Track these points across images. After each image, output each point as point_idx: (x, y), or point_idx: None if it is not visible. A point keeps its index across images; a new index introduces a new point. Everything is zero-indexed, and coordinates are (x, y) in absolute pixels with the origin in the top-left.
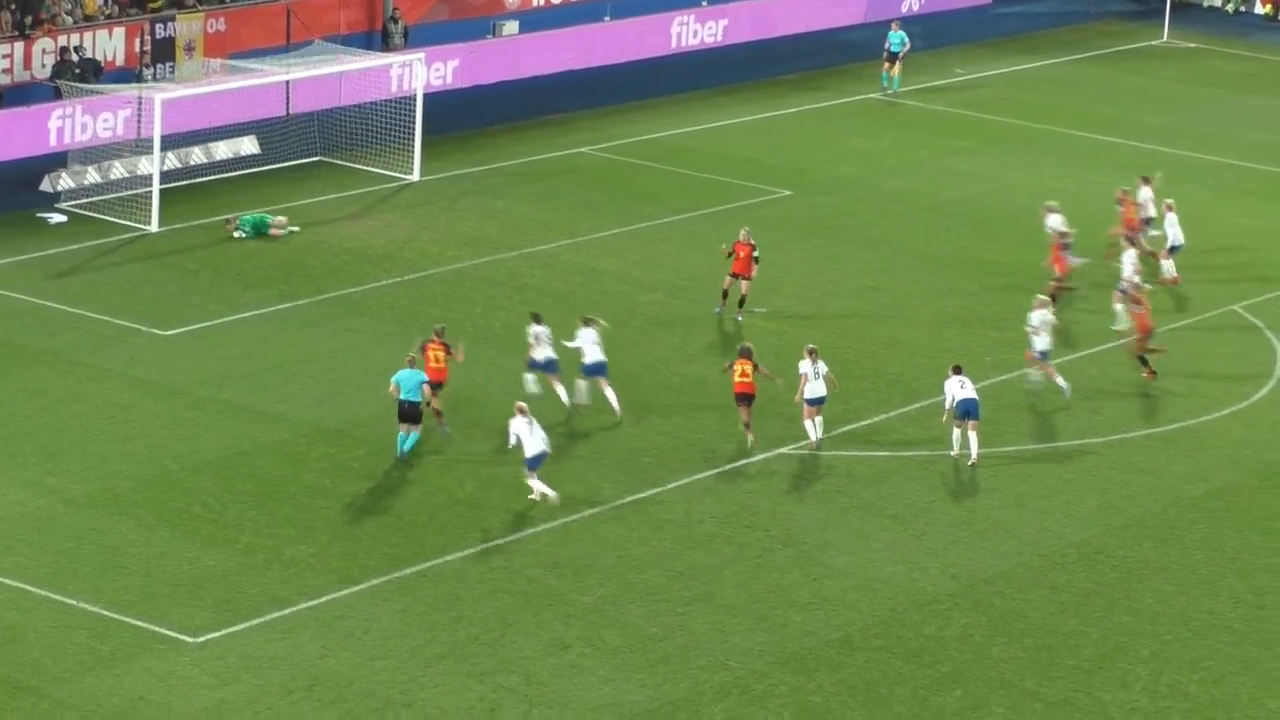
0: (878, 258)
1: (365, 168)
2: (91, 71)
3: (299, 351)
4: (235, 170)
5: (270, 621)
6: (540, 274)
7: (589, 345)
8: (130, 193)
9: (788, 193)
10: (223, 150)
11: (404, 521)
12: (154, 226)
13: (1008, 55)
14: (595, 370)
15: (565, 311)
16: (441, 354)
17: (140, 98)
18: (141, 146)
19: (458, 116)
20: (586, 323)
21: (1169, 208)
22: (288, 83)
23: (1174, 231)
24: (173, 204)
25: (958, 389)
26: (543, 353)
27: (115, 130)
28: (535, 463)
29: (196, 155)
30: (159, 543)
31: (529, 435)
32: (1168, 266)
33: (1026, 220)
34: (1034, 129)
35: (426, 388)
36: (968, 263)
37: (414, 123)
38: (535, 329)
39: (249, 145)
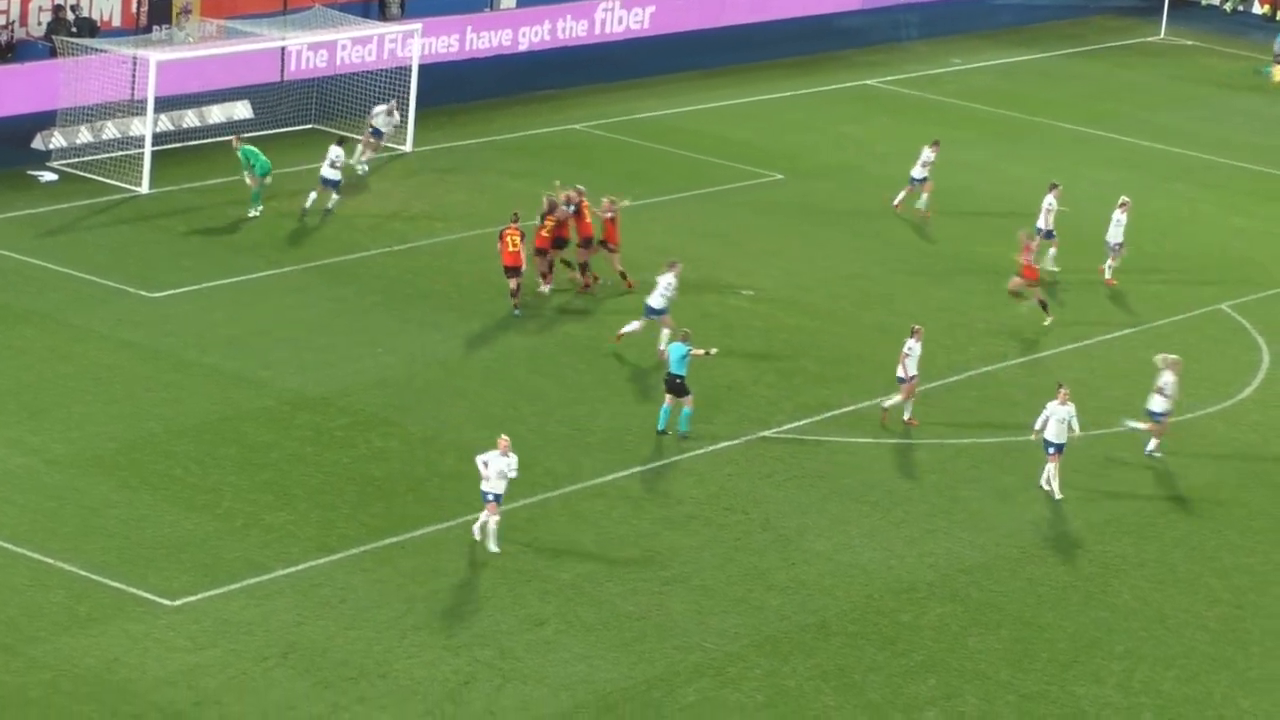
0: (868, 245)
1: (359, 137)
2: (87, 30)
3: (285, 318)
4: (228, 134)
5: (247, 587)
6: (530, 248)
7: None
8: (122, 153)
9: (779, 176)
10: (216, 114)
11: (384, 492)
12: (145, 188)
13: (1004, 47)
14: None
15: (552, 290)
16: (518, 238)
17: (135, 58)
18: (135, 107)
19: (452, 89)
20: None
21: (1122, 207)
22: (283, 48)
23: (1115, 230)
24: (164, 166)
25: (1051, 420)
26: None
27: (109, 90)
28: (489, 497)
29: (190, 118)
30: (139, 505)
31: (491, 468)
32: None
33: (1017, 212)
34: (1028, 121)
35: (696, 352)
36: (958, 253)
37: (408, 93)
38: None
39: (243, 110)
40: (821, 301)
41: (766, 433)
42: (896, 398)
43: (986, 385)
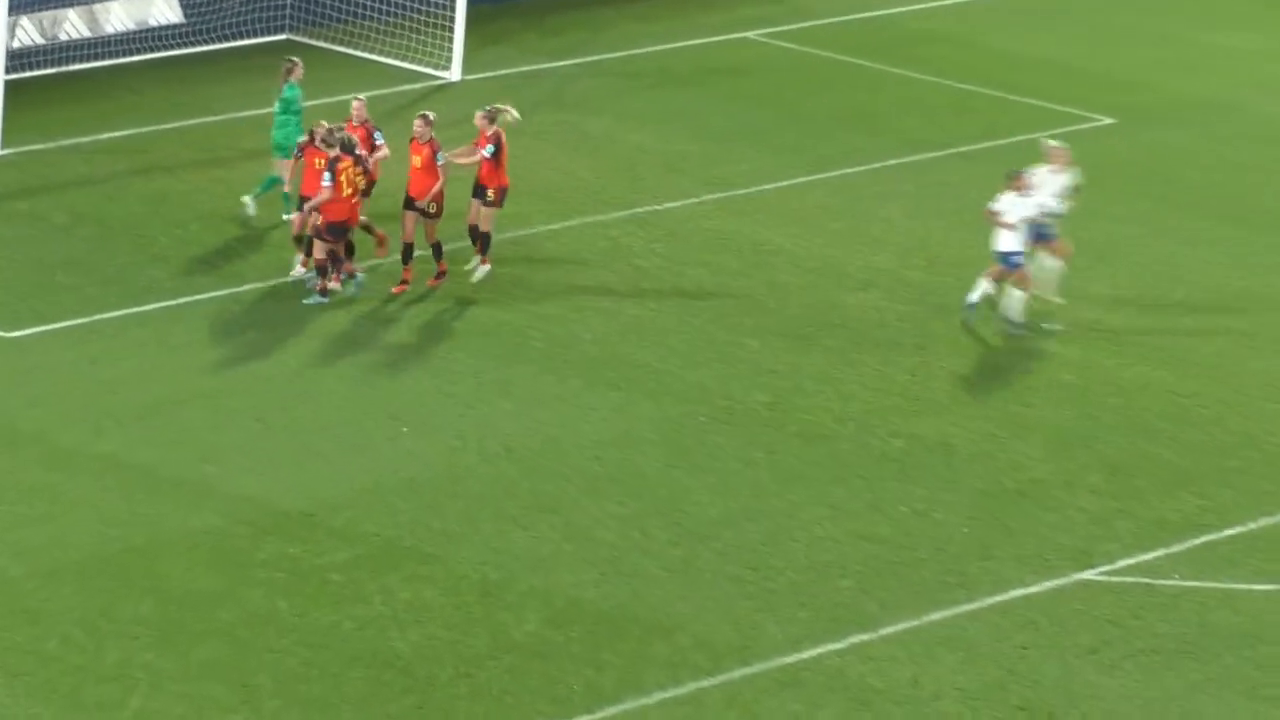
0: (1255, 237)
1: (369, 56)
2: None
3: (242, 374)
4: (139, 53)
5: None
6: (666, 250)
7: None
8: None
9: (1108, 120)
10: (118, 18)
11: (417, 680)
12: None
13: None
14: None
15: (705, 323)
16: (359, 177)
17: None
18: None
19: None
20: None
21: None
22: None
23: None
24: (28, 108)
25: None
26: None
27: None
28: None
29: (72, 25)
30: None
31: None
32: None
33: None
34: None
35: None
36: None
37: None
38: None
39: (164, 10)
40: (1182, 338)
41: (1088, 574)
42: (984, 286)
43: None
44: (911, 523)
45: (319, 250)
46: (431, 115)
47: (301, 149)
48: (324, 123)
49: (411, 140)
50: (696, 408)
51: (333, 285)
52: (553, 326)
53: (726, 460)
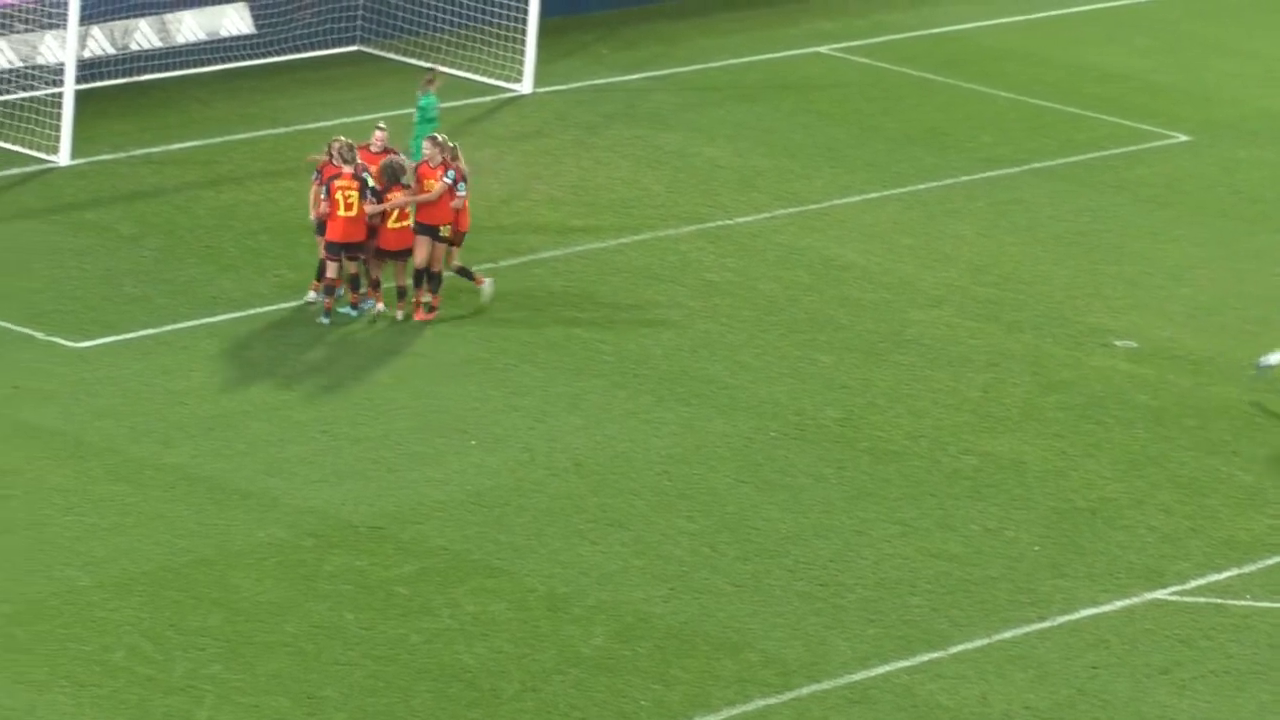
0: None
1: (440, 68)
2: None
3: (309, 386)
4: (210, 63)
5: None
6: (737, 265)
7: None
8: (24, 96)
9: (1184, 138)
10: (189, 28)
11: (482, 694)
12: (64, 157)
13: None
14: None
15: (776, 338)
16: (354, 196)
17: None
18: (45, 17)
19: None
20: None
21: None
22: None
23: None
24: (98, 118)
25: None
26: None
27: None
28: None
29: (142, 35)
30: (53, 714)
31: None
32: None
33: None
34: None
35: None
36: None
37: None
38: None
39: (235, 21)
40: (1258, 358)
41: (1160, 593)
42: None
43: None
44: (982, 540)
45: (330, 270)
46: (441, 137)
47: (320, 167)
48: (341, 137)
49: (420, 164)
50: (767, 423)
51: (360, 311)
52: (623, 340)
53: (797, 476)
